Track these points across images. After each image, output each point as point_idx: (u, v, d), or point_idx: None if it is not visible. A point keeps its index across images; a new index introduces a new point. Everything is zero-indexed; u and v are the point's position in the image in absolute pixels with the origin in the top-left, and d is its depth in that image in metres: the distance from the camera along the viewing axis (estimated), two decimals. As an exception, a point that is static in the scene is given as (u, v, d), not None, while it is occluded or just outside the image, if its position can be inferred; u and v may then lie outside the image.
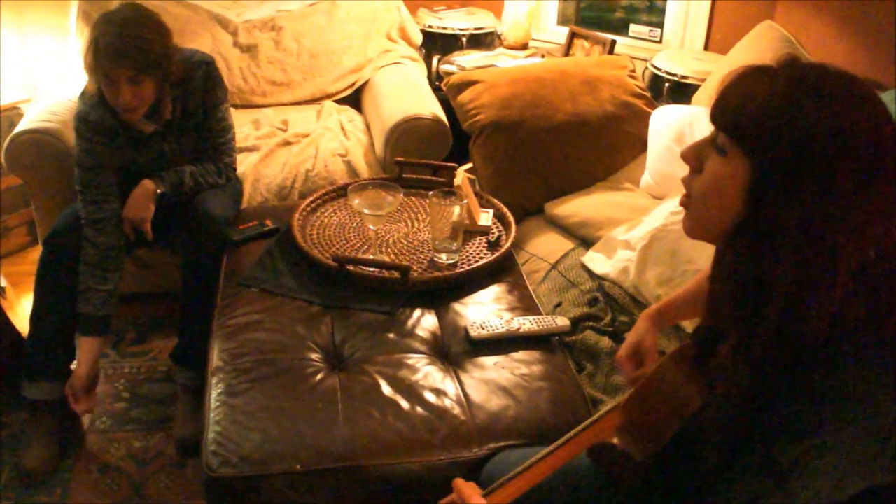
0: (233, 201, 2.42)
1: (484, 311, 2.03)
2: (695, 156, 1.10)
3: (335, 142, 2.86)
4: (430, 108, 2.85)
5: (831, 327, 1.03)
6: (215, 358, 1.81)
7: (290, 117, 3.00)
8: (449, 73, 3.07)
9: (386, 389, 1.73)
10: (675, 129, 2.58)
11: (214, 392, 1.71)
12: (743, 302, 1.08)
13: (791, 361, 1.04)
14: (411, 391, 1.73)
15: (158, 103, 2.20)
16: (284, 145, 2.83)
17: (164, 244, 2.44)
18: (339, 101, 3.20)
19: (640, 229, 2.32)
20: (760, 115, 1.01)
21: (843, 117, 0.99)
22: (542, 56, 3.47)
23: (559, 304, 2.24)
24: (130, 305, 2.76)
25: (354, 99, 3.25)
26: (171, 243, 2.41)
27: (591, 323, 2.15)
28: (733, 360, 1.12)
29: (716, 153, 1.07)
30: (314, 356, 1.83)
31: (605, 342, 2.08)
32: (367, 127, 3.03)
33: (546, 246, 2.50)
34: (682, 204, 1.14)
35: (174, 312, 2.73)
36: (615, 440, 1.30)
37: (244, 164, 2.68)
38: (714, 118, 1.08)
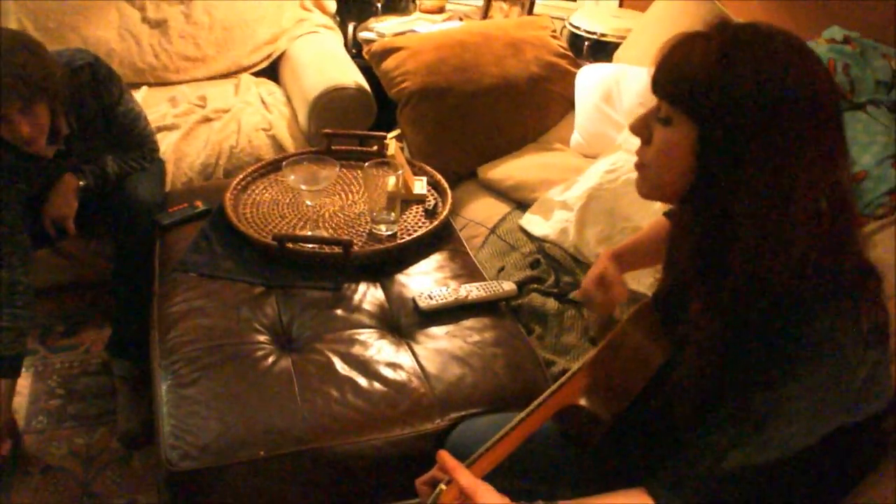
0: (159, 184, 2.33)
1: (428, 280, 2.01)
2: (644, 129, 1.15)
3: (257, 116, 2.78)
4: (353, 77, 2.79)
5: (795, 277, 1.05)
6: (159, 348, 1.75)
7: (208, 93, 2.90)
8: (368, 41, 3.01)
9: (341, 367, 1.71)
10: (602, 87, 2.60)
11: (164, 384, 1.65)
12: (706, 258, 1.10)
13: (760, 313, 1.07)
14: (367, 367, 1.71)
15: (53, 123, 1.99)
16: (205, 122, 2.73)
17: (87, 233, 2.34)
18: (256, 74, 3.11)
19: (576, 189, 2.33)
20: (697, 79, 1.03)
21: (778, 72, 1.02)
22: (461, 19, 3.44)
23: (502, 269, 2.23)
24: (54, 298, 2.65)
25: (271, 71, 3.16)
26: (94, 231, 2.31)
27: (535, 285, 2.15)
28: (701, 316, 1.14)
29: (661, 124, 1.10)
30: (262, 339, 1.78)
31: (552, 303, 2.09)
32: (288, 99, 2.95)
33: (482, 211, 2.49)
34: (637, 168, 1.18)
35: (101, 302, 2.64)
36: (582, 402, 1.31)
37: (164, 144, 2.58)
38: (654, 89, 1.11)
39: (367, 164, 2.05)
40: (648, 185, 1.17)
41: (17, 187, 2.07)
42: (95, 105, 2.13)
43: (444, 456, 1.12)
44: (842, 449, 1.13)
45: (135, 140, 2.26)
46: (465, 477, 1.09)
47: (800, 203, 1.03)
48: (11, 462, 2.12)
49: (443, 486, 1.07)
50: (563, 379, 1.34)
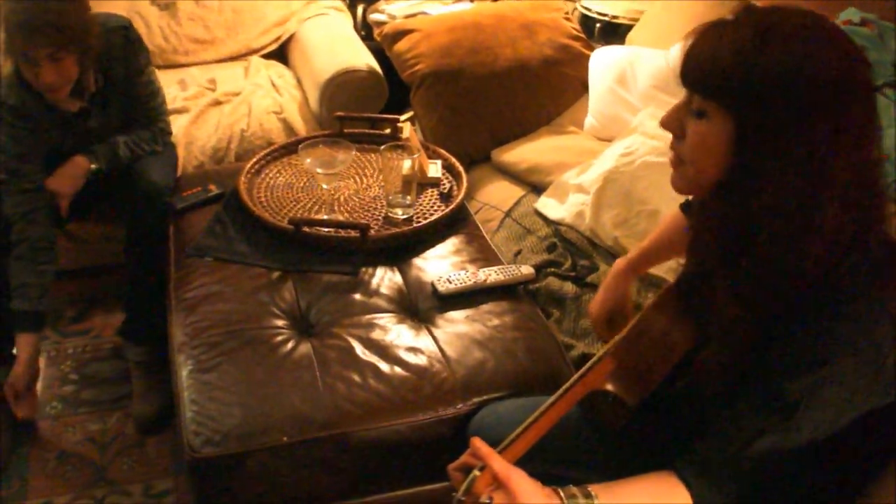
0: (171, 167, 2.31)
1: (445, 264, 2.00)
2: (675, 124, 1.11)
3: (268, 99, 2.75)
4: (364, 59, 2.77)
5: (825, 258, 1.04)
6: (178, 333, 1.73)
7: (218, 75, 2.88)
8: (379, 23, 2.98)
9: (361, 352, 1.69)
10: (616, 70, 2.58)
11: (184, 370, 1.64)
12: (735, 246, 1.08)
13: (791, 298, 1.06)
14: (387, 352, 1.70)
15: (81, 78, 2.02)
16: (215, 105, 2.71)
17: (97, 217, 2.32)
18: (266, 57, 3.08)
19: (592, 172, 2.31)
20: (732, 69, 1.01)
21: (811, 55, 1.00)
22: (471, 0, 3.41)
23: (519, 253, 2.22)
24: (65, 282, 2.62)
25: (280, 53, 3.14)
26: (106, 216, 2.29)
27: (552, 269, 2.14)
28: (728, 302, 1.13)
29: (695, 118, 1.07)
30: (281, 323, 1.77)
31: (569, 287, 2.08)
32: (299, 82, 2.93)
33: (497, 194, 2.48)
34: (674, 165, 1.14)
35: (112, 287, 2.62)
36: (608, 387, 1.31)
37: (175, 127, 2.54)
38: (686, 82, 1.08)
39: (383, 147, 2.03)
40: (686, 182, 1.14)
41: (43, 137, 2.08)
42: (123, 69, 2.13)
43: (478, 443, 1.11)
44: (867, 434, 1.12)
45: (149, 115, 2.24)
46: (499, 463, 1.08)
47: (834, 184, 1.02)
48: (27, 448, 2.12)
49: (476, 473, 1.07)
50: (590, 363, 1.33)
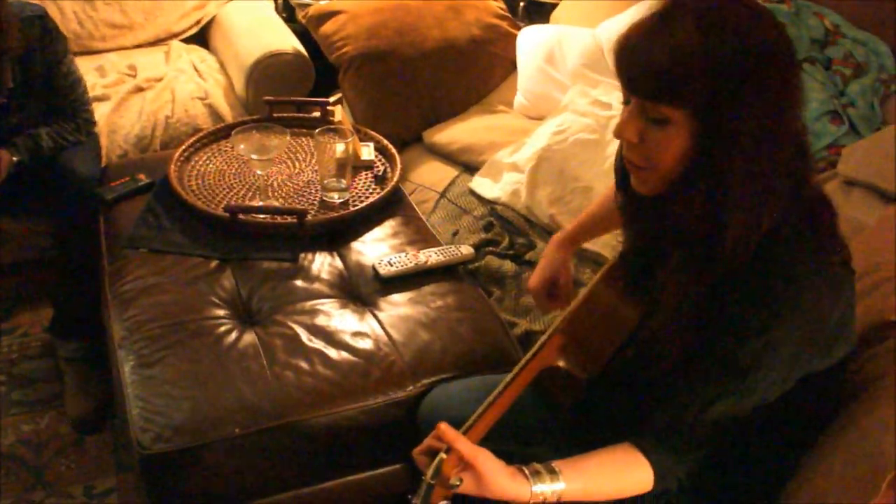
0: (95, 158, 2.24)
1: (384, 247, 1.99)
2: (632, 132, 1.10)
3: (192, 84, 2.69)
4: (290, 42, 2.73)
5: (777, 232, 1.08)
6: (118, 328, 1.69)
7: (137, 61, 2.79)
8: (302, 5, 2.93)
9: (307, 339, 1.68)
10: (545, 49, 2.59)
11: (126, 365, 1.60)
12: (699, 227, 1.11)
13: (743, 265, 1.09)
14: (333, 337, 1.69)
15: None
16: (137, 92, 2.63)
17: (18, 211, 2.23)
18: (186, 41, 3.00)
19: (525, 151, 2.33)
20: (689, 74, 1.02)
21: (753, 36, 1.03)
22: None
23: (456, 233, 2.23)
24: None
25: (200, 38, 3.06)
26: (31, 210, 2.21)
27: (490, 248, 2.16)
28: (680, 273, 1.16)
29: (655, 126, 1.07)
30: (223, 313, 1.74)
31: (508, 265, 2.10)
32: (222, 66, 2.86)
33: (431, 175, 2.48)
34: (636, 171, 1.15)
35: (36, 283, 2.53)
36: (560, 363, 1.33)
37: (96, 116, 2.47)
38: (638, 94, 1.08)
39: (316, 131, 2.01)
40: (653, 184, 1.14)
41: None
42: (41, 61, 2.05)
43: (443, 426, 1.12)
44: (811, 394, 1.17)
45: (71, 106, 2.17)
46: (465, 445, 1.09)
47: (784, 151, 1.07)
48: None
49: (443, 455, 1.07)
50: (542, 340, 1.35)
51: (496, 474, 1.08)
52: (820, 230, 1.11)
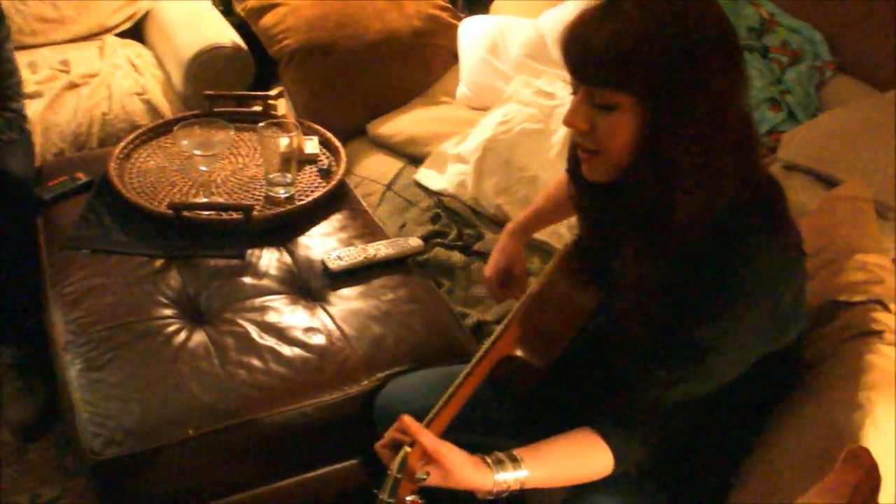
0: (29, 156, 2.17)
1: (332, 241, 1.98)
2: (580, 120, 1.12)
3: (128, 80, 2.62)
4: (228, 35, 2.67)
5: (728, 203, 1.10)
6: (62, 331, 1.65)
7: (71, 57, 2.70)
8: (240, -3, 2.89)
9: (258, 336, 1.66)
10: (487, 39, 2.60)
11: (72, 369, 1.56)
12: (651, 213, 1.12)
13: (698, 249, 1.11)
14: (285, 334, 1.68)
15: None
16: (71, 88, 2.55)
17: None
18: (121, 35, 2.92)
19: (470, 142, 2.33)
20: (637, 58, 1.04)
21: (697, 23, 1.05)
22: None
23: (403, 226, 2.23)
24: None
25: (135, 32, 2.98)
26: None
27: (438, 240, 2.16)
28: (636, 260, 1.17)
29: (604, 112, 1.09)
30: (170, 313, 1.71)
31: (457, 256, 2.10)
32: (159, 61, 2.80)
33: (375, 167, 2.47)
34: (587, 158, 1.16)
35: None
36: (517, 352, 1.34)
37: (28, 113, 2.40)
38: (586, 81, 1.10)
39: (260, 125, 1.98)
40: (604, 171, 1.16)
41: None
42: None
43: (407, 419, 1.11)
44: (766, 374, 1.20)
45: (3, 96, 2.08)
46: (429, 438, 1.09)
47: (731, 131, 1.09)
48: None
49: (407, 449, 1.07)
50: (499, 330, 1.36)
51: (460, 466, 1.09)
52: (772, 213, 1.14)
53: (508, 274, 1.60)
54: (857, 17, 2.23)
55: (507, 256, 1.60)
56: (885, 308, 1.26)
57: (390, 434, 1.14)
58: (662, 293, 1.16)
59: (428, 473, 1.06)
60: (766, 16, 2.31)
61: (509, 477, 1.11)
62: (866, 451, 0.99)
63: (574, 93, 1.14)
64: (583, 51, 1.08)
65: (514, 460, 1.12)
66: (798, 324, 1.20)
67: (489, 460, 1.12)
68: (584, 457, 1.17)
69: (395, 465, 1.06)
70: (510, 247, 1.60)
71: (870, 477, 1.03)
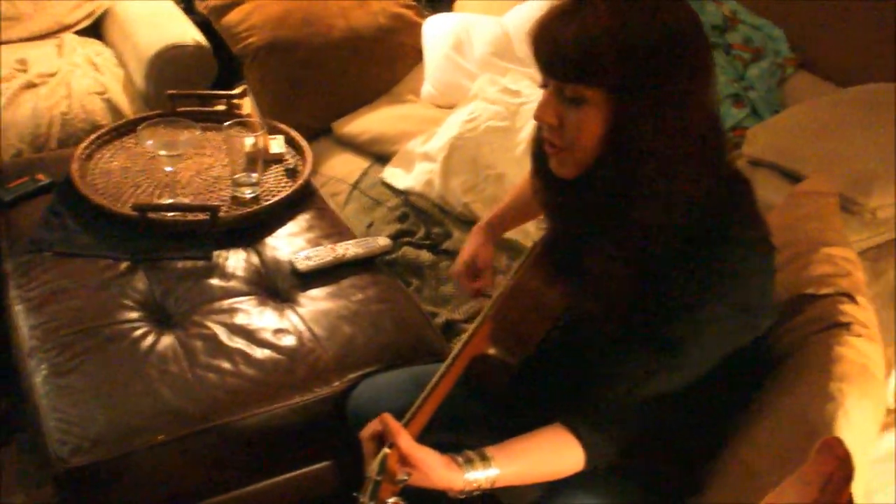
0: (-13, 157, 2.13)
1: (300, 241, 1.96)
2: (551, 114, 1.13)
3: (88, 79, 2.58)
4: (190, 33, 2.65)
5: (695, 198, 1.11)
6: (27, 337, 1.61)
7: (28, 55, 2.65)
8: (202, -6, 2.86)
9: (227, 338, 1.64)
10: (452, 37, 2.60)
11: (38, 375, 1.53)
12: (619, 209, 1.13)
13: (668, 245, 1.12)
14: (255, 336, 1.66)
15: None
16: (29, 88, 2.50)
17: None
18: (80, 34, 2.87)
19: (437, 140, 2.33)
20: (604, 52, 1.05)
21: (665, 18, 1.07)
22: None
23: (371, 225, 2.22)
24: None
25: (94, 30, 2.93)
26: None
27: (406, 239, 2.16)
28: (607, 256, 1.18)
29: (573, 106, 1.10)
30: (137, 316, 1.68)
31: (425, 255, 2.10)
32: (120, 60, 2.76)
33: (341, 167, 2.46)
34: (556, 153, 1.17)
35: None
36: (491, 350, 1.34)
37: (-16, 114, 2.36)
38: (556, 76, 1.11)
39: (225, 124, 1.95)
40: (572, 166, 1.16)
41: None
42: None
43: (388, 419, 1.11)
44: (737, 368, 1.21)
45: None
46: (406, 442, 1.08)
47: (697, 126, 1.10)
48: None
49: (387, 451, 1.06)
50: (472, 328, 1.36)
51: (433, 467, 1.08)
52: (741, 207, 1.15)
53: (475, 268, 1.59)
54: (817, 14, 2.26)
55: (472, 250, 1.59)
56: (852, 300, 1.29)
57: (373, 424, 1.13)
58: (630, 289, 1.16)
59: (409, 474, 1.06)
60: (729, 13, 2.33)
61: (480, 476, 1.11)
62: (839, 442, 1.01)
63: (544, 86, 1.15)
64: (553, 46, 1.09)
65: (485, 459, 1.12)
66: (768, 317, 1.22)
67: (460, 459, 1.12)
68: (554, 454, 1.17)
69: (374, 467, 1.05)
70: (476, 241, 1.60)
71: (842, 467, 1.05)
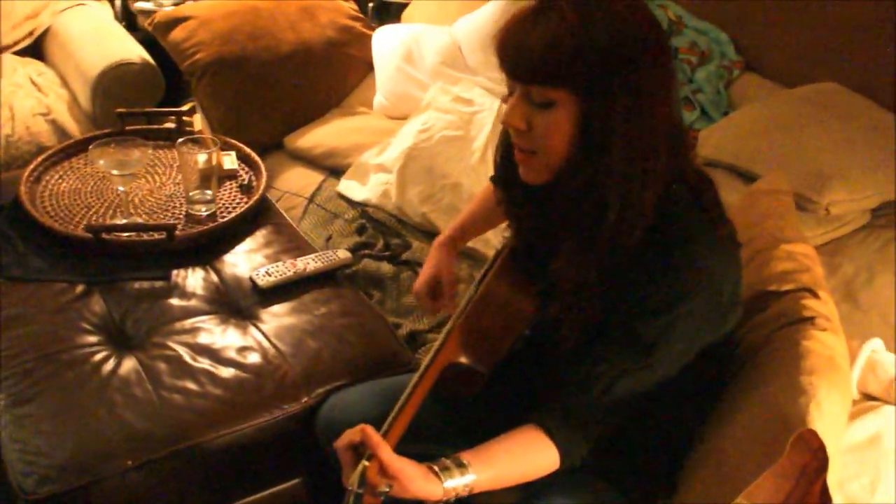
0: (-70, 183, 2.07)
1: (259, 257, 1.94)
2: (519, 118, 1.14)
3: (31, 100, 2.52)
4: (136, 51, 2.61)
5: (669, 209, 1.13)
6: (-18, 365, 1.56)
7: (-33, 77, 2.60)
8: (145, 12, 2.82)
9: (191, 359, 1.61)
10: (402, 48, 2.60)
11: (-3, 405, 1.49)
12: (588, 214, 1.14)
13: (635, 246, 1.13)
14: (219, 355, 1.63)
15: None
16: (-31, 111, 2.45)
17: None
18: (19, 54, 2.81)
19: (391, 151, 2.33)
20: (573, 55, 1.07)
21: (630, 21, 1.09)
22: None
23: (330, 238, 2.20)
24: None
25: (34, 50, 2.87)
26: None
27: (366, 251, 2.15)
28: (574, 261, 1.19)
29: (541, 110, 1.11)
30: (96, 339, 1.65)
31: (386, 267, 2.09)
32: (63, 79, 2.70)
33: (296, 181, 2.44)
34: (524, 159, 1.18)
35: None
36: (461, 359, 1.34)
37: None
38: (523, 79, 1.12)
39: (179, 141, 1.93)
40: (541, 171, 1.17)
41: None
42: None
43: (369, 431, 1.09)
44: (707, 365, 1.23)
45: None
46: (387, 454, 1.07)
47: (662, 126, 1.12)
48: None
49: (366, 463, 1.05)
50: (441, 338, 1.36)
51: (412, 478, 1.08)
52: (707, 206, 1.17)
53: (438, 284, 1.59)
54: (759, 17, 2.32)
55: (434, 267, 1.58)
56: (815, 295, 1.32)
57: (348, 434, 1.12)
58: (600, 292, 1.17)
59: (390, 486, 1.05)
60: (674, 17, 2.38)
61: (458, 483, 1.10)
62: (814, 434, 1.03)
63: (510, 93, 1.16)
64: (519, 50, 1.10)
65: (461, 465, 1.12)
66: (736, 313, 1.24)
67: (436, 468, 1.11)
68: (530, 455, 1.17)
69: (354, 481, 1.04)
70: (438, 258, 1.59)
71: (816, 458, 1.07)
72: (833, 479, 1.04)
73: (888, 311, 1.66)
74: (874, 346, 1.40)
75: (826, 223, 1.84)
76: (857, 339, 1.40)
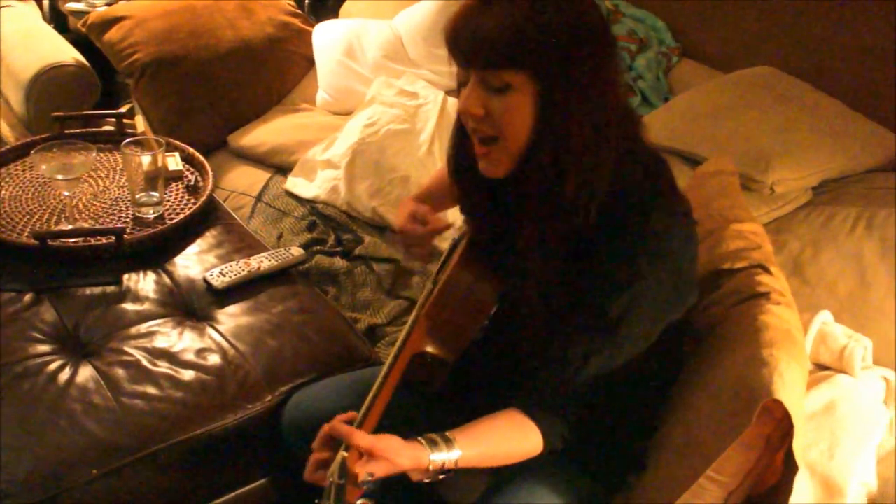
0: None
1: (211, 258, 1.92)
2: (476, 106, 1.14)
3: (-40, 106, 2.45)
4: (69, 52, 2.54)
5: (616, 175, 1.15)
6: (-68, 380, 1.51)
7: None
8: (77, 12, 2.75)
9: (150, 364, 1.59)
10: (343, 43, 2.59)
11: (-49, 421, 1.44)
12: (548, 197, 1.16)
13: (596, 225, 1.16)
14: (178, 358, 1.61)
15: None
16: None
17: None
18: (-56, 60, 2.73)
19: (338, 146, 2.32)
20: (528, 37, 1.09)
21: (577, 9, 1.12)
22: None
23: (280, 236, 2.19)
24: None
25: (-40, 55, 2.79)
26: None
27: (318, 247, 2.14)
28: (536, 243, 1.20)
29: (498, 94, 1.12)
30: (50, 349, 1.61)
31: (339, 262, 2.09)
32: (-7, 84, 2.63)
33: (242, 180, 2.41)
34: (486, 149, 1.18)
35: None
36: (428, 348, 1.35)
37: None
38: (479, 65, 1.13)
39: (123, 144, 1.89)
40: (504, 161, 1.18)
41: None
42: None
43: (337, 424, 1.10)
44: (668, 342, 1.26)
45: None
46: (360, 437, 1.08)
47: (615, 107, 1.15)
48: None
49: (344, 454, 1.05)
50: (407, 328, 1.37)
51: (397, 450, 1.08)
52: (662, 185, 1.20)
53: (417, 216, 1.53)
54: (694, 4, 2.37)
55: (407, 208, 1.54)
56: (767, 271, 1.36)
57: (314, 454, 1.12)
58: (563, 275, 1.19)
59: (372, 475, 1.05)
60: (611, 6, 2.42)
61: (444, 457, 1.12)
62: (778, 404, 1.07)
63: (462, 84, 1.17)
64: (473, 35, 1.12)
65: (448, 441, 1.13)
66: (695, 290, 1.27)
67: (422, 440, 1.12)
68: (515, 436, 1.19)
69: (334, 471, 1.04)
70: (408, 204, 1.56)
71: (779, 427, 1.11)
72: (800, 445, 1.08)
73: (834, 285, 1.71)
74: (824, 319, 1.46)
75: (771, 202, 1.90)
76: (808, 313, 1.44)
